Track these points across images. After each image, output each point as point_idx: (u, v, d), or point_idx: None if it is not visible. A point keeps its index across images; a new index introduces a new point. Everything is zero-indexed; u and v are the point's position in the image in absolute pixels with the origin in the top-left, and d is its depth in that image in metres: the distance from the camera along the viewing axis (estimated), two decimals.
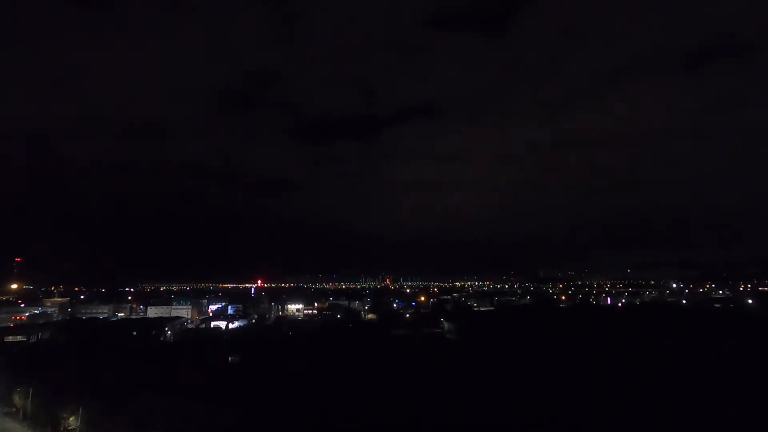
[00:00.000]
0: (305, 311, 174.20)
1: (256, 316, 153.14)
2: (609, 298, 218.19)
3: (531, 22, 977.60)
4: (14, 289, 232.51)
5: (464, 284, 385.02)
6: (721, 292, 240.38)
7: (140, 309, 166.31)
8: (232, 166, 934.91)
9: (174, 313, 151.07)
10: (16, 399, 53.39)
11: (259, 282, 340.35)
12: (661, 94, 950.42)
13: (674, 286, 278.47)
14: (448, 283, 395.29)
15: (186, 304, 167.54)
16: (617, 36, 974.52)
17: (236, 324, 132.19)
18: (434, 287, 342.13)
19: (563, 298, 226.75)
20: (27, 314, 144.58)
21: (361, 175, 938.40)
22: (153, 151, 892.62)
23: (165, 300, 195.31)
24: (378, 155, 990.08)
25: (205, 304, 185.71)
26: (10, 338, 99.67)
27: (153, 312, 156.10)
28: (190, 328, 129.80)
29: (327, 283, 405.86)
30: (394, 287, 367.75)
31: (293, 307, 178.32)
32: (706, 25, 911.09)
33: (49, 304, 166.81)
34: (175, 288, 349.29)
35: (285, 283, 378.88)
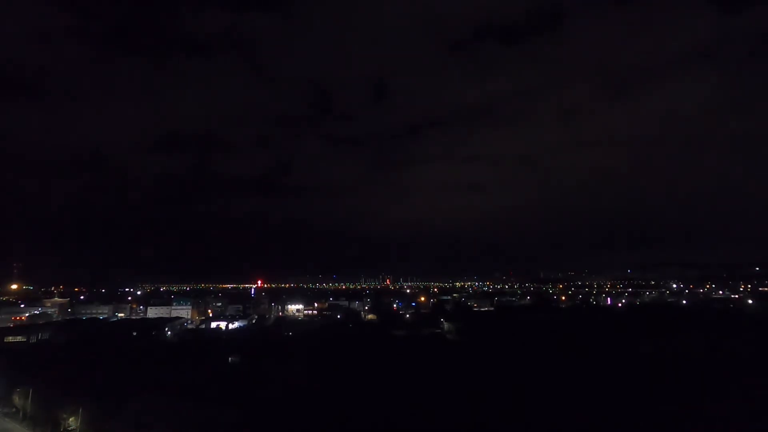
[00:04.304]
0: (305, 312, 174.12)
1: (256, 317, 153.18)
2: (609, 299, 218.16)
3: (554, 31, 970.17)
4: (14, 289, 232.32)
5: (464, 284, 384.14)
6: (721, 292, 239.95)
7: (140, 309, 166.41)
8: (232, 168, 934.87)
9: (174, 314, 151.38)
10: (16, 399, 53.33)
11: (259, 282, 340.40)
12: (660, 98, 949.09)
13: (674, 286, 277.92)
14: (448, 283, 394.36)
15: (186, 305, 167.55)
16: (630, 41, 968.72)
17: (236, 324, 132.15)
18: (434, 287, 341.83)
19: (563, 298, 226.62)
20: (27, 314, 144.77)
21: (363, 178, 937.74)
22: (162, 158, 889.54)
23: (165, 300, 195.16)
24: (378, 159, 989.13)
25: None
26: (10, 338, 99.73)
27: (153, 312, 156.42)
28: (190, 329, 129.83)
29: (327, 284, 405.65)
30: (394, 287, 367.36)
31: (293, 308, 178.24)
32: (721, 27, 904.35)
33: (49, 304, 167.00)
34: (175, 288, 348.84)
35: (285, 284, 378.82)
